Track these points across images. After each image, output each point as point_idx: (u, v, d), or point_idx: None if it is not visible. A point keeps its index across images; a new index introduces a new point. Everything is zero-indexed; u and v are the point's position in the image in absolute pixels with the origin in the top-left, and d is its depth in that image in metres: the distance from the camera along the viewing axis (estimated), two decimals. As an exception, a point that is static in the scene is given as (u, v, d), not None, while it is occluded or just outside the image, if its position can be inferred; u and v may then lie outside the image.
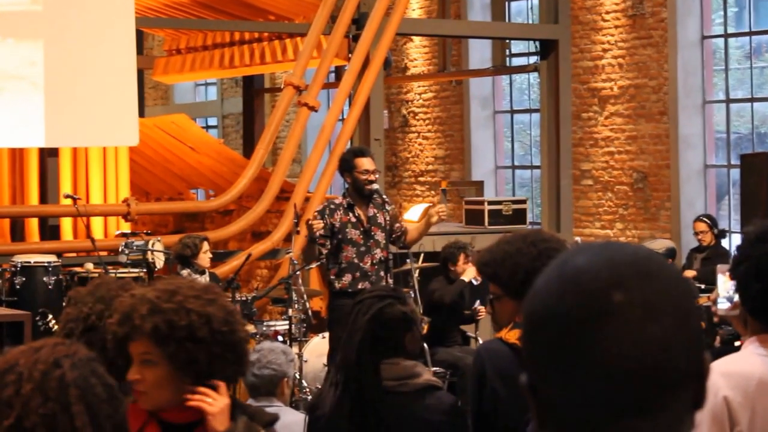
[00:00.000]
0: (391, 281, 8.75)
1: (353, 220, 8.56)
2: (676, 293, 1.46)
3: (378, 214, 8.64)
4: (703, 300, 10.10)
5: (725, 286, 3.41)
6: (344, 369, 3.97)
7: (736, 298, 3.27)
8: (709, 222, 12.12)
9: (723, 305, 3.40)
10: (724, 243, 12.54)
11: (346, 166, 8.61)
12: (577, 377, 1.44)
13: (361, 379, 3.89)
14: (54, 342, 2.10)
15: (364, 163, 8.56)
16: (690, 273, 11.42)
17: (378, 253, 8.58)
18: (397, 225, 8.78)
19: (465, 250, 10.23)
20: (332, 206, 8.65)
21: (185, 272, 9.49)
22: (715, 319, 8.89)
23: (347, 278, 8.55)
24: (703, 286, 10.70)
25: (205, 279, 9.54)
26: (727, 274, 3.34)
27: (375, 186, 8.60)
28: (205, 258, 9.54)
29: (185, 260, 9.50)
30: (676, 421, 1.46)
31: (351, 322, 3.98)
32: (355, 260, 8.55)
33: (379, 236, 8.61)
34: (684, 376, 1.45)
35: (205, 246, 9.56)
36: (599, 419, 1.44)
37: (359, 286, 8.34)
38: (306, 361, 9.62)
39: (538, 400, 1.50)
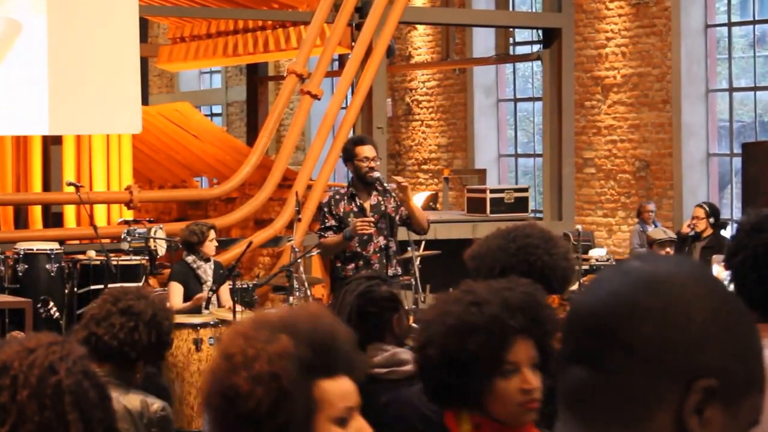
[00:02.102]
0: (399, 269, 8.77)
1: (355, 209, 8.59)
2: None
3: (382, 202, 8.66)
4: None
5: (720, 276, 3.41)
6: None
7: (731, 288, 3.28)
8: (707, 209, 12.05)
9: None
10: (727, 232, 12.53)
11: (347, 155, 8.66)
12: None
13: None
14: (48, 341, 2.09)
15: (364, 150, 8.59)
16: None
17: (381, 241, 8.60)
18: (402, 208, 8.79)
19: None
20: (337, 197, 8.69)
21: (190, 258, 9.50)
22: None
23: (351, 267, 8.59)
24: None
25: (210, 267, 9.56)
26: (722, 264, 3.34)
27: (376, 174, 8.61)
28: (210, 246, 9.55)
29: (191, 247, 9.51)
30: None
31: (339, 302, 4.00)
32: (358, 249, 8.58)
33: (382, 224, 8.64)
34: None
35: (212, 234, 9.57)
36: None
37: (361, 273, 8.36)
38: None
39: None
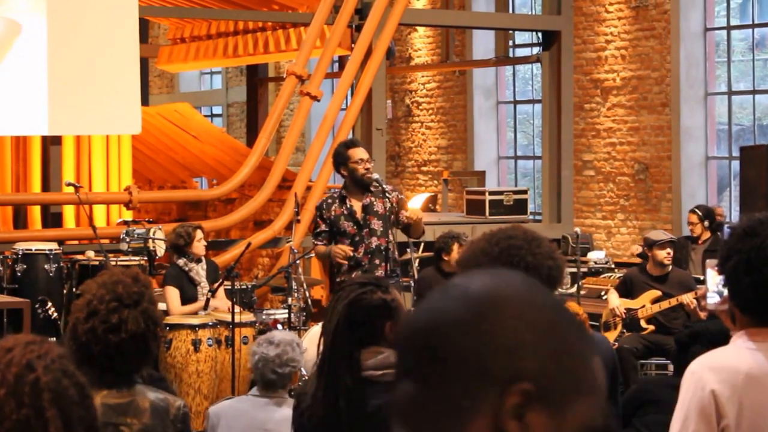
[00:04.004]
0: (397, 269, 8.74)
1: (345, 212, 8.55)
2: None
3: (376, 202, 8.57)
4: (691, 295, 10.10)
5: (714, 280, 3.42)
6: (322, 355, 3.95)
7: (725, 292, 3.29)
8: (699, 214, 11.99)
9: (712, 300, 3.41)
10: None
11: (340, 159, 8.59)
12: None
13: (335, 364, 3.85)
14: (26, 341, 2.09)
15: (358, 152, 8.53)
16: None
17: (374, 242, 8.54)
18: (402, 213, 8.70)
19: (459, 240, 9.90)
20: (329, 200, 8.65)
21: (181, 261, 9.50)
22: (704, 314, 8.87)
23: (344, 268, 8.58)
24: (702, 277, 10.68)
25: (202, 267, 9.56)
26: (716, 269, 3.35)
27: (375, 175, 8.58)
28: (199, 246, 9.54)
29: (180, 249, 9.52)
30: None
31: (330, 308, 3.96)
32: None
33: (376, 225, 8.57)
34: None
35: (199, 234, 9.56)
36: None
37: (352, 275, 8.32)
38: (305, 350, 9.64)
39: None
